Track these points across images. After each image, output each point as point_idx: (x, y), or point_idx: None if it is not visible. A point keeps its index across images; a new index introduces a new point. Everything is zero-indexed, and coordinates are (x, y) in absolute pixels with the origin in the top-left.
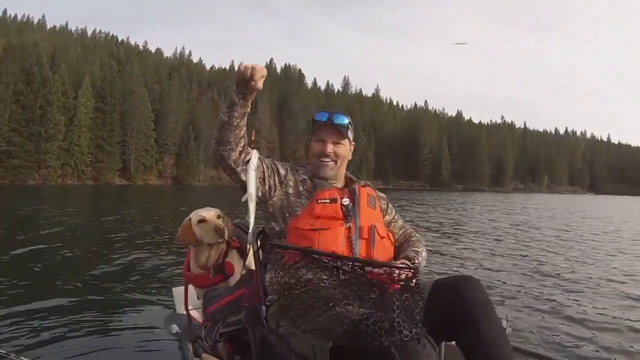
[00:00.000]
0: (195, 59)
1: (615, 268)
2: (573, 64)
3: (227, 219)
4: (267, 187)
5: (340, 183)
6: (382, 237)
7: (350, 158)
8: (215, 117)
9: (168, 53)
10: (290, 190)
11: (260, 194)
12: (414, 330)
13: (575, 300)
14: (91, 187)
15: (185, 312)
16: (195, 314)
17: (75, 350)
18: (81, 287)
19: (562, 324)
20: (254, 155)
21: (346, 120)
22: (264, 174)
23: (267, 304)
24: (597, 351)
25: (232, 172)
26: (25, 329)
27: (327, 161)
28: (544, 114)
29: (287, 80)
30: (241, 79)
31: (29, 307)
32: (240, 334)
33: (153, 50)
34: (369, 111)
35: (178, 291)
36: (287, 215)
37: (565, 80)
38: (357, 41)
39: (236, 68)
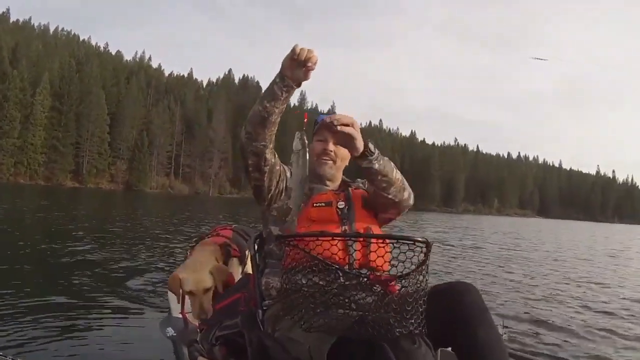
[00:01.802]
0: (154, 64)
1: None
2: (531, 89)
3: (222, 272)
4: (277, 190)
5: (336, 185)
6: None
7: (347, 163)
8: (170, 124)
9: (128, 56)
10: None
11: (269, 196)
12: (419, 324)
13: (568, 308)
14: (43, 187)
15: (181, 316)
16: (191, 318)
17: (69, 353)
18: (75, 290)
19: (556, 331)
20: (305, 142)
21: None
22: (279, 176)
23: (264, 308)
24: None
25: (258, 168)
26: (21, 330)
27: (327, 160)
28: (498, 138)
29: (244, 92)
30: (296, 62)
31: (23, 309)
32: (236, 338)
33: (113, 52)
34: None
35: (173, 294)
36: (286, 219)
37: (521, 105)
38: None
39: (290, 52)
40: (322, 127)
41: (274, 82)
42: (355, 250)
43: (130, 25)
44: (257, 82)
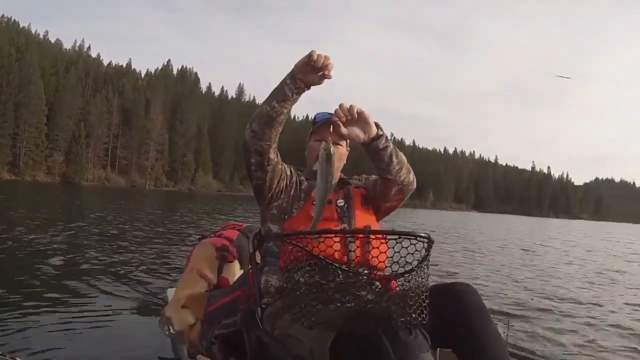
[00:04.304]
0: (93, 54)
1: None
2: (469, 87)
3: (199, 301)
4: (278, 189)
5: (335, 183)
6: (377, 238)
7: (345, 162)
8: (108, 114)
9: (68, 45)
10: (292, 192)
11: (270, 195)
12: (423, 317)
13: (568, 305)
14: None
15: None
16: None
17: (68, 351)
18: (73, 287)
19: (556, 329)
20: (332, 154)
21: None
22: (280, 175)
23: (263, 306)
24: (592, 356)
25: (261, 168)
26: (17, 329)
27: None
28: (434, 133)
29: (182, 83)
30: (313, 68)
31: (19, 307)
32: (235, 336)
33: (53, 41)
34: None
35: (172, 292)
36: (285, 217)
37: (458, 102)
38: (255, 49)
39: (303, 56)
40: (322, 127)
41: (284, 83)
42: (354, 248)
43: (70, 13)
44: (196, 74)
